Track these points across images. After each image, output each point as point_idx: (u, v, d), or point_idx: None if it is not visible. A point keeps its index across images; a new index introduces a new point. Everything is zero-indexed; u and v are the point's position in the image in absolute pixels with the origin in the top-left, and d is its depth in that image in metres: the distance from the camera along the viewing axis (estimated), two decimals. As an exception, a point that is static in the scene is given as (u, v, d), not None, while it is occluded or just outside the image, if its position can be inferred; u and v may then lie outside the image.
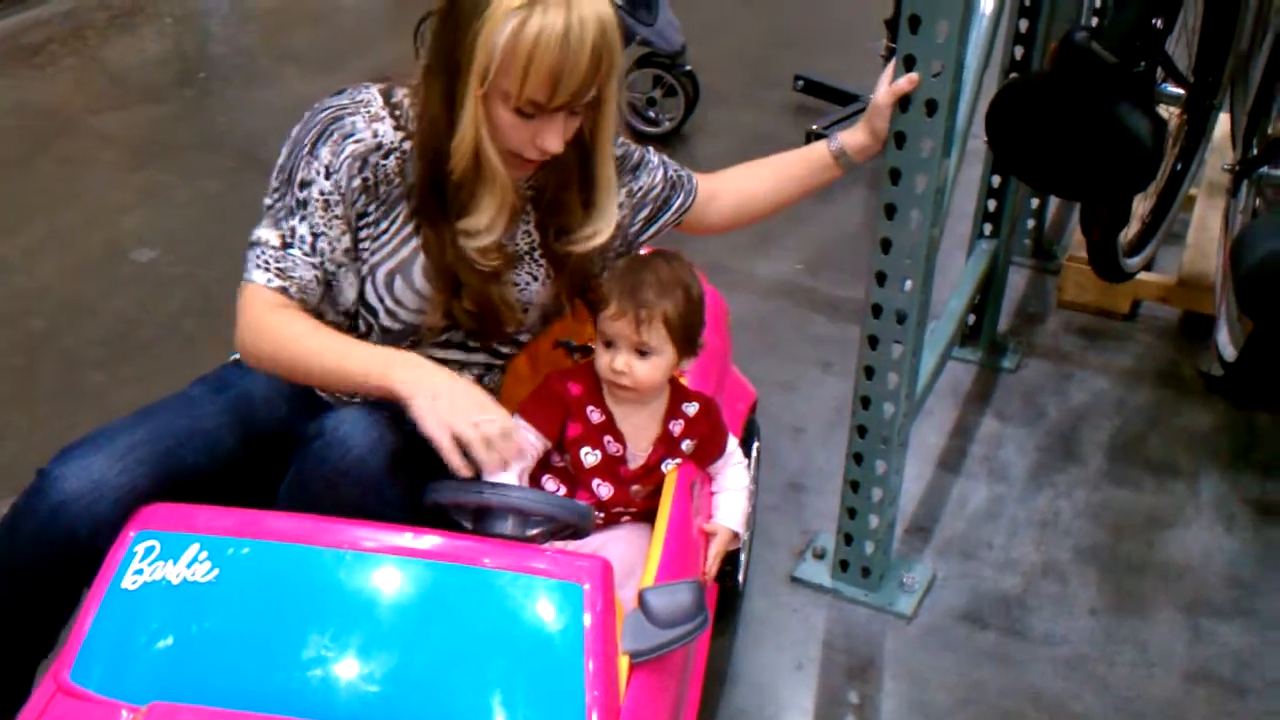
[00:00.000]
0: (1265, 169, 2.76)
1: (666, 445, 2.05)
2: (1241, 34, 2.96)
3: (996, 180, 3.14)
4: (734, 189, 2.20)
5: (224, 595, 1.61)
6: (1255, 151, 2.85)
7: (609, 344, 1.96)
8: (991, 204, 3.16)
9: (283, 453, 1.80)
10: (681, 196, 2.13)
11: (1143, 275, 3.32)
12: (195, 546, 1.64)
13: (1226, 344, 2.98)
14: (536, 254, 1.97)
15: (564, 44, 1.66)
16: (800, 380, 3.17)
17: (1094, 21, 3.34)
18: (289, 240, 1.82)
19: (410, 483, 1.74)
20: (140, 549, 1.65)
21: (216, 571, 1.62)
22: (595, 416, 2.01)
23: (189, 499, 1.76)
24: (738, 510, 2.15)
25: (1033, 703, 2.33)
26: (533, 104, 1.72)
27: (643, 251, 2.13)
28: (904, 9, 2.01)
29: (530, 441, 1.97)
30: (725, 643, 2.41)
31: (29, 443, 2.84)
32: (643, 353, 1.95)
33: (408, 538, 1.67)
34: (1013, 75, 3.01)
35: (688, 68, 4.31)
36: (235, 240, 1.96)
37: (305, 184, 1.81)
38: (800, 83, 4.64)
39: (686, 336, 1.98)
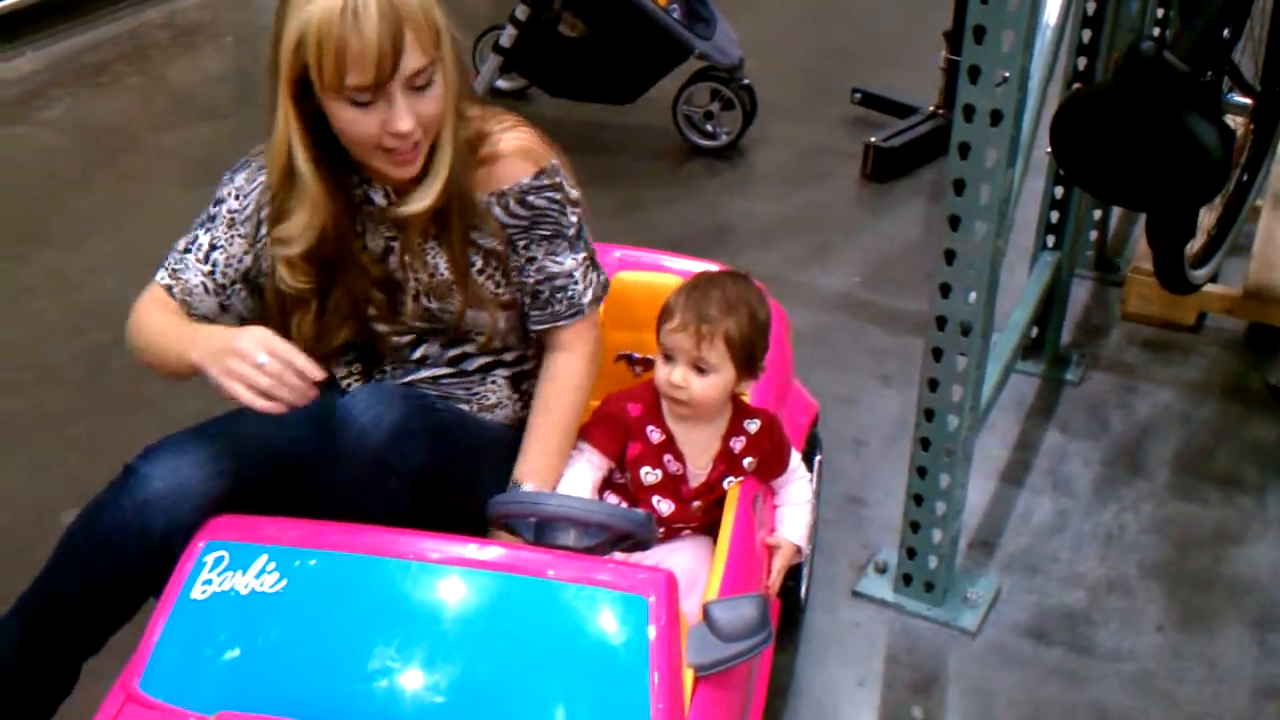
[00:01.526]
0: (1334, 179, 2.72)
1: (727, 463, 2.04)
2: (1309, 43, 2.92)
3: (1059, 191, 3.11)
4: (544, 377, 2.02)
5: (291, 606, 1.62)
6: (1324, 162, 2.82)
7: (668, 357, 1.96)
8: (1054, 215, 3.13)
9: None
10: (542, 304, 1.96)
11: (1208, 287, 3.27)
12: (264, 557, 1.65)
13: (1295, 356, 2.93)
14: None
15: (344, 21, 1.66)
16: (860, 393, 3.16)
17: (1156, 31, 3.31)
18: (189, 246, 1.93)
19: (418, 452, 1.75)
20: (210, 559, 1.67)
21: (285, 582, 1.63)
22: (655, 436, 2.00)
23: (268, 509, 1.78)
24: (801, 524, 2.14)
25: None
26: (355, 89, 1.70)
27: (713, 269, 2.12)
28: (969, 19, 2.00)
29: (594, 463, 1.99)
30: (787, 658, 2.39)
31: (91, 454, 2.87)
32: (701, 369, 1.94)
33: (473, 549, 1.67)
34: (1076, 86, 2.98)
35: (745, 81, 4.30)
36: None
37: (219, 201, 1.92)
38: (858, 95, 4.62)
39: (747, 357, 1.96)
